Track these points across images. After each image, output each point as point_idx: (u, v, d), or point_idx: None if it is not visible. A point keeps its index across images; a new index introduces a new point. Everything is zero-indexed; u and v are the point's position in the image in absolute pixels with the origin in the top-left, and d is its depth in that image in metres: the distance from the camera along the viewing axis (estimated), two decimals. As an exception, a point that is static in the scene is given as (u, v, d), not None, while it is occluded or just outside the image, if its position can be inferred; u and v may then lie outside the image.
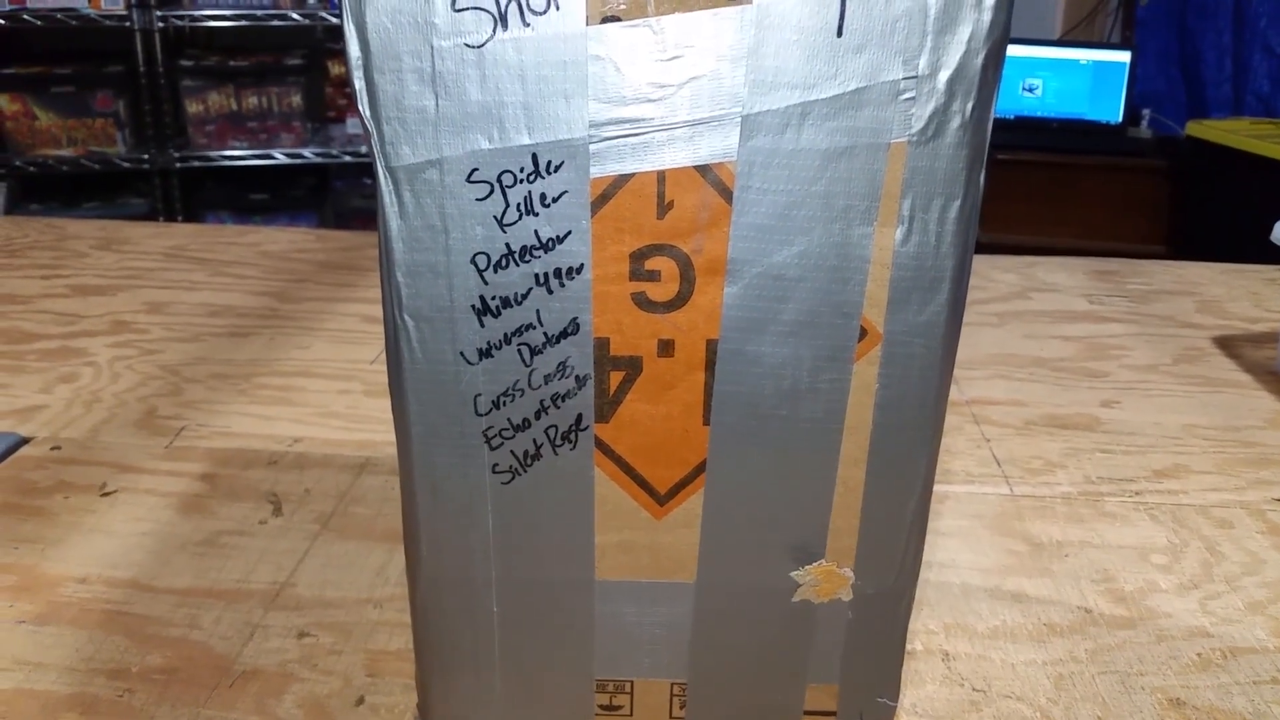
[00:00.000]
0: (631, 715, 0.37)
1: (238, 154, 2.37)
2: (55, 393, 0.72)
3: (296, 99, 2.34)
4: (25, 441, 0.65)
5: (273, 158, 2.38)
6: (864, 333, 0.30)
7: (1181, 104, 2.67)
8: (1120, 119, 2.57)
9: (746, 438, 0.32)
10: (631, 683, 0.37)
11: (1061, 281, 1.00)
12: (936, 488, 0.61)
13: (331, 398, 0.72)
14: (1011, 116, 2.62)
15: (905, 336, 0.30)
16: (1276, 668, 0.47)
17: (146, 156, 2.35)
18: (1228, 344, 0.85)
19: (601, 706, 0.37)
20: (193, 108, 2.37)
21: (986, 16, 0.27)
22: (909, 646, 0.48)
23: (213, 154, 2.36)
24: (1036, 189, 2.44)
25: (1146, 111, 2.64)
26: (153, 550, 0.54)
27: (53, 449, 0.64)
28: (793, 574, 0.34)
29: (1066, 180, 2.46)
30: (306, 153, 2.34)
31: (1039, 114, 2.61)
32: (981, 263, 1.07)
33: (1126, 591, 0.53)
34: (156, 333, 0.83)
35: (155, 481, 0.61)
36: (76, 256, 1.00)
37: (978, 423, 0.70)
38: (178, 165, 2.36)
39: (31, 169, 2.37)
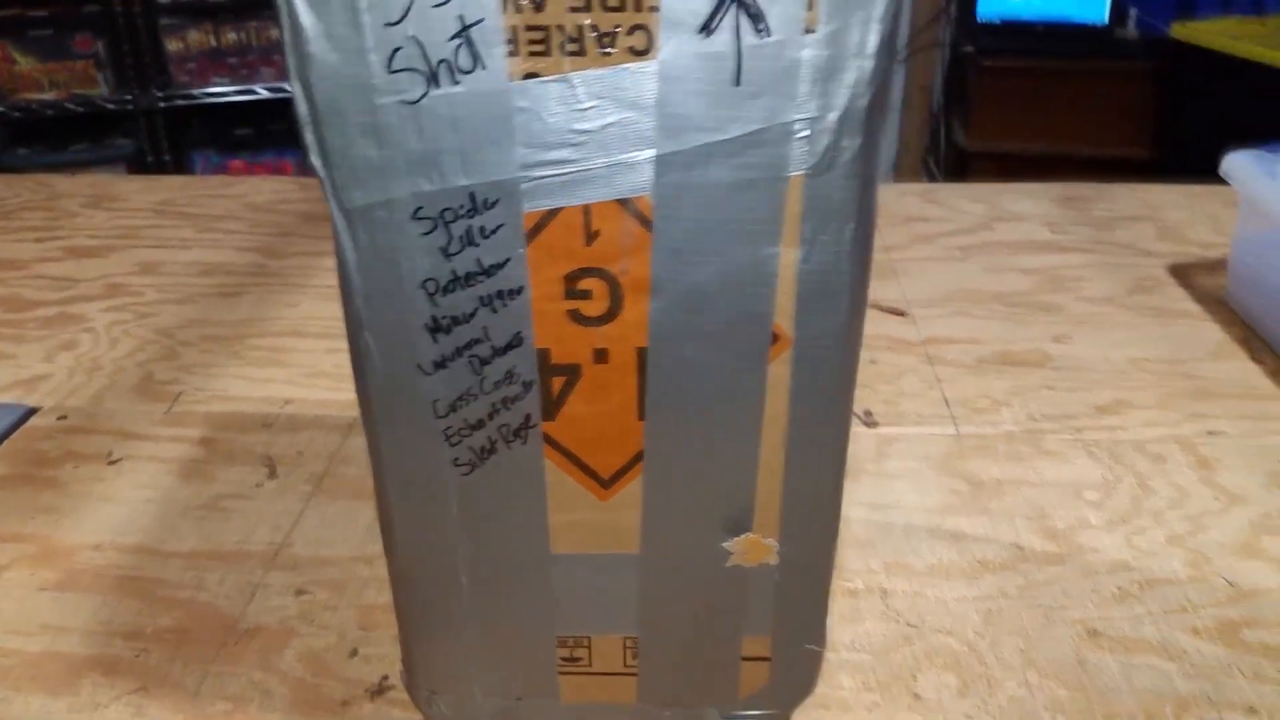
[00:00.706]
0: (590, 665, 0.42)
1: (220, 90, 2.36)
2: (57, 361, 0.76)
3: (276, 33, 2.32)
4: (34, 412, 0.69)
5: (255, 93, 2.38)
6: (776, 337, 0.34)
7: (1170, 1, 2.64)
8: (1106, 19, 2.55)
9: (677, 430, 0.36)
10: (589, 638, 0.41)
11: (1027, 210, 1.02)
12: (888, 430, 0.65)
13: (319, 357, 0.76)
14: (998, 20, 2.59)
15: (812, 340, 0.34)
16: (1186, 597, 0.52)
17: (130, 97, 2.34)
18: (1183, 272, 0.88)
19: (563, 659, 0.42)
20: (172, 45, 2.36)
21: (869, 64, 0.30)
22: (851, 585, 0.53)
23: (195, 92, 2.35)
24: (1021, 94, 2.44)
25: (1133, 11, 2.61)
26: (158, 516, 0.59)
27: (59, 419, 0.69)
28: (724, 544, 0.38)
29: (1052, 85, 2.45)
30: (288, 86, 2.32)
31: (1024, 17, 2.58)
32: (950, 191, 1.10)
33: (1058, 529, 0.57)
34: (150, 295, 0.86)
35: (157, 448, 0.65)
36: (68, 216, 1.03)
37: (931, 363, 0.74)
38: (161, 105, 2.36)
39: (16, 114, 2.37)
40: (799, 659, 0.41)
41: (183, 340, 0.79)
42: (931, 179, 2.71)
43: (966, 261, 0.91)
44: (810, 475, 0.37)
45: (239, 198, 1.08)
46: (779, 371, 0.35)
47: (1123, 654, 0.49)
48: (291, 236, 0.98)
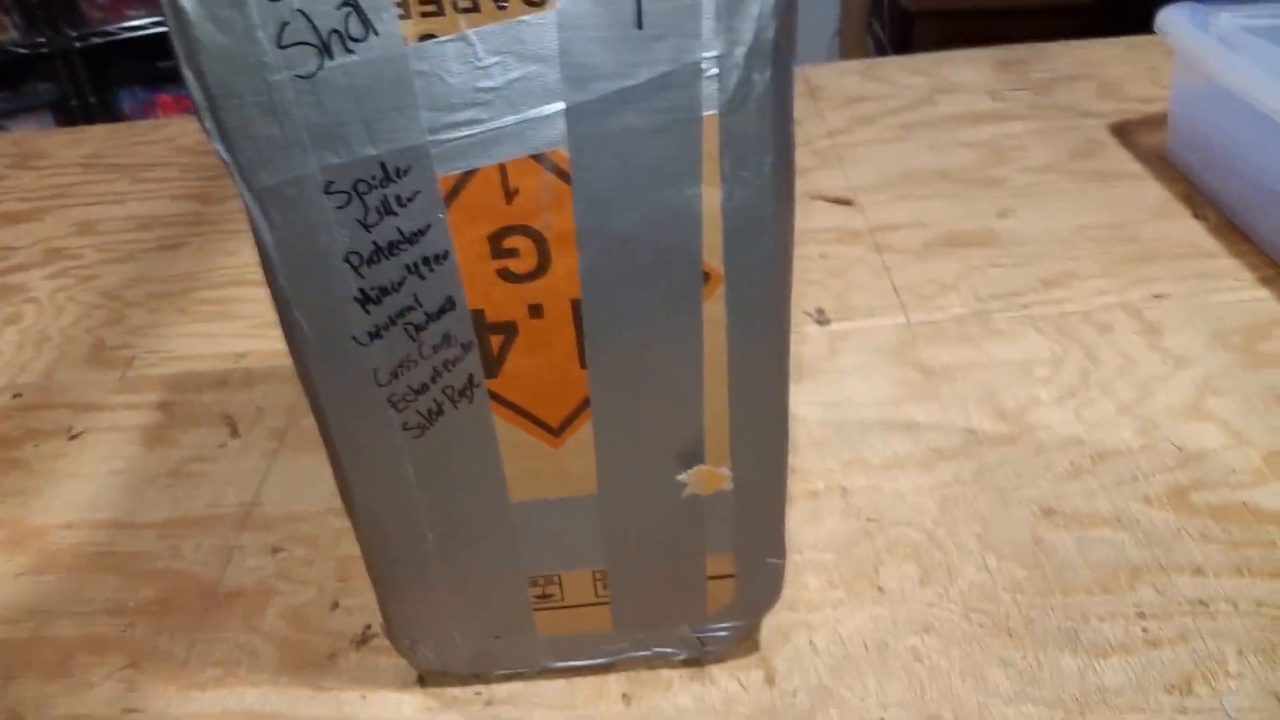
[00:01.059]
0: (563, 600, 0.43)
1: (138, 24, 2.27)
2: (4, 337, 0.75)
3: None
4: (-14, 393, 0.69)
5: (175, 19, 2.28)
6: (708, 276, 0.34)
7: None
8: None
9: (620, 374, 0.36)
10: (559, 575, 0.42)
11: (967, 79, 1.01)
12: (840, 326, 0.66)
13: (266, 307, 0.75)
14: None
15: (743, 275, 0.34)
16: (1137, 467, 0.54)
17: (43, 40, 2.25)
18: (1124, 130, 0.88)
19: (536, 597, 0.43)
20: (80, -18, 2.26)
21: None
22: (812, 486, 0.54)
23: (112, 28, 2.26)
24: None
25: None
26: (126, 487, 0.59)
27: (14, 397, 0.68)
28: (679, 477, 0.39)
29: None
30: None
31: None
32: (891, 66, 1.09)
33: (1009, 409, 0.58)
34: (90, 256, 0.85)
35: (116, 417, 0.65)
36: (-6, 180, 1.00)
37: (879, 251, 0.74)
38: (78, 45, 2.26)
39: (-75, 67, 2.27)
40: (762, 572, 0.43)
41: (129, 301, 0.78)
42: (878, 44, 2.67)
43: (909, 140, 0.91)
44: (755, 403, 0.38)
45: (168, 142, 1.05)
46: (713, 308, 0.35)
47: (1077, 529, 0.50)
48: (222, 179, 0.96)
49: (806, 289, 0.70)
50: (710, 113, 0.31)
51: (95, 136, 1.10)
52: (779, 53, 0.31)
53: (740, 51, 0.30)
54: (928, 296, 0.69)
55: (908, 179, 0.84)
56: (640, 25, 0.30)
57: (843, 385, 0.61)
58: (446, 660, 0.45)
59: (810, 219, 0.78)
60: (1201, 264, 0.69)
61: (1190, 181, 0.79)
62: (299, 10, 0.29)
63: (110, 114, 2.34)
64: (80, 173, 1.00)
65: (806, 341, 0.65)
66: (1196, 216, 0.75)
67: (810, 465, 0.56)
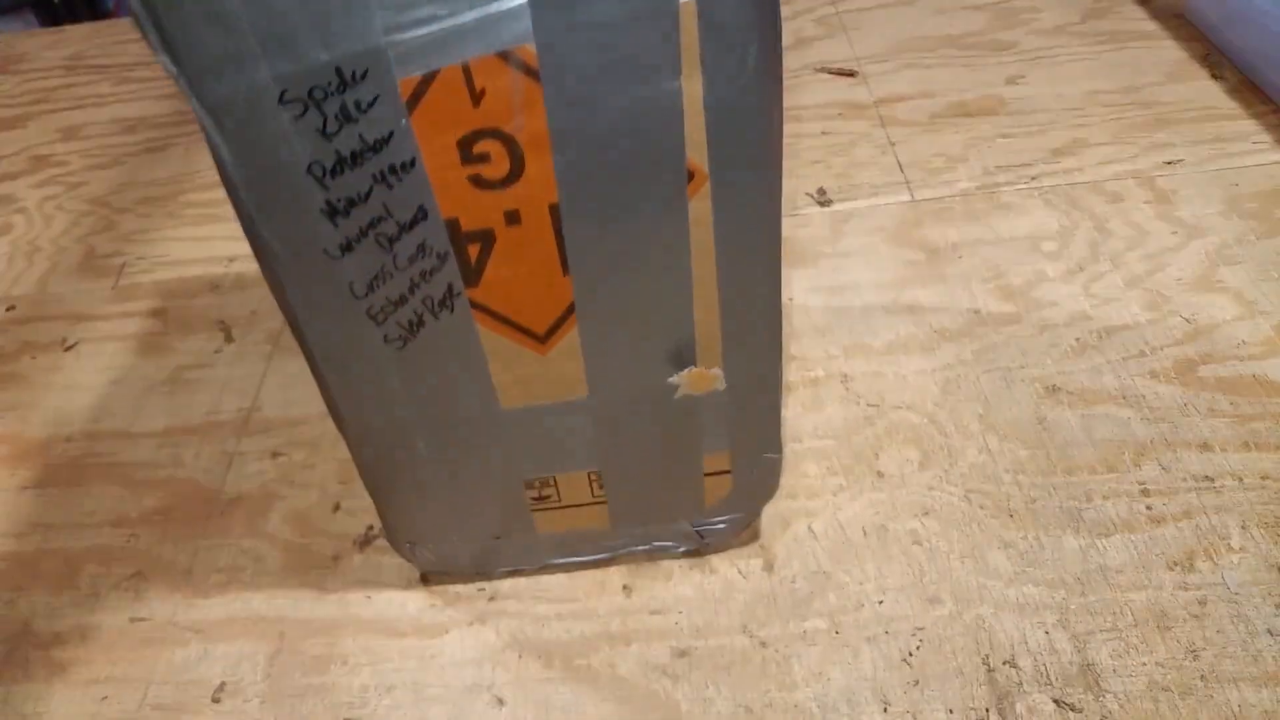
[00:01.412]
0: (560, 500, 0.43)
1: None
2: (-5, 248, 0.74)
3: None
4: (-20, 306, 0.68)
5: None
6: (692, 174, 0.32)
7: None
8: None
9: (605, 278, 0.35)
10: (554, 477, 0.42)
11: (977, -63, 0.96)
12: (843, 206, 0.64)
13: (259, 207, 0.74)
14: None
15: (729, 171, 0.32)
16: (1144, 341, 0.52)
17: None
18: (1140, -14, 0.84)
19: (533, 499, 0.43)
20: None
21: None
22: (812, 373, 0.53)
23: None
24: None
25: None
26: (124, 397, 0.59)
27: (8, 309, 0.68)
28: (670, 379, 0.38)
29: None
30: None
31: None
32: (896, -73, 1.03)
33: (1014, 286, 0.57)
34: (76, 163, 0.83)
35: (111, 326, 0.65)
36: (-25, 86, 0.98)
37: (884, 125, 0.72)
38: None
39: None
40: (759, 466, 0.42)
41: (118, 208, 0.76)
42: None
43: (916, 5, 0.87)
44: (747, 303, 0.36)
45: (150, 39, 1.02)
46: (699, 207, 0.33)
47: (1082, 407, 0.49)
48: (211, 76, 0.93)
49: (808, 169, 0.68)
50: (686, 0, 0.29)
51: (77, 36, 1.07)
52: None
53: None
54: (934, 171, 0.66)
55: (913, 46, 0.81)
56: None
57: (845, 269, 0.60)
58: (447, 561, 0.45)
59: (812, 93, 0.75)
60: (1218, 127, 0.67)
61: (1209, 40, 0.75)
62: None
63: (94, 10, 2.28)
64: (62, 75, 0.98)
65: (808, 224, 0.64)
66: (1214, 77, 0.71)
67: (811, 352, 0.55)
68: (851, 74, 0.78)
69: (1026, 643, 0.41)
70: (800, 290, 0.59)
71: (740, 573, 0.45)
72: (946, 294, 0.57)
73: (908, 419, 0.50)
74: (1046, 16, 0.82)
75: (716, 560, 0.45)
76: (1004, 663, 0.40)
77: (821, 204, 0.65)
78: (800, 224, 0.64)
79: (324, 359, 0.37)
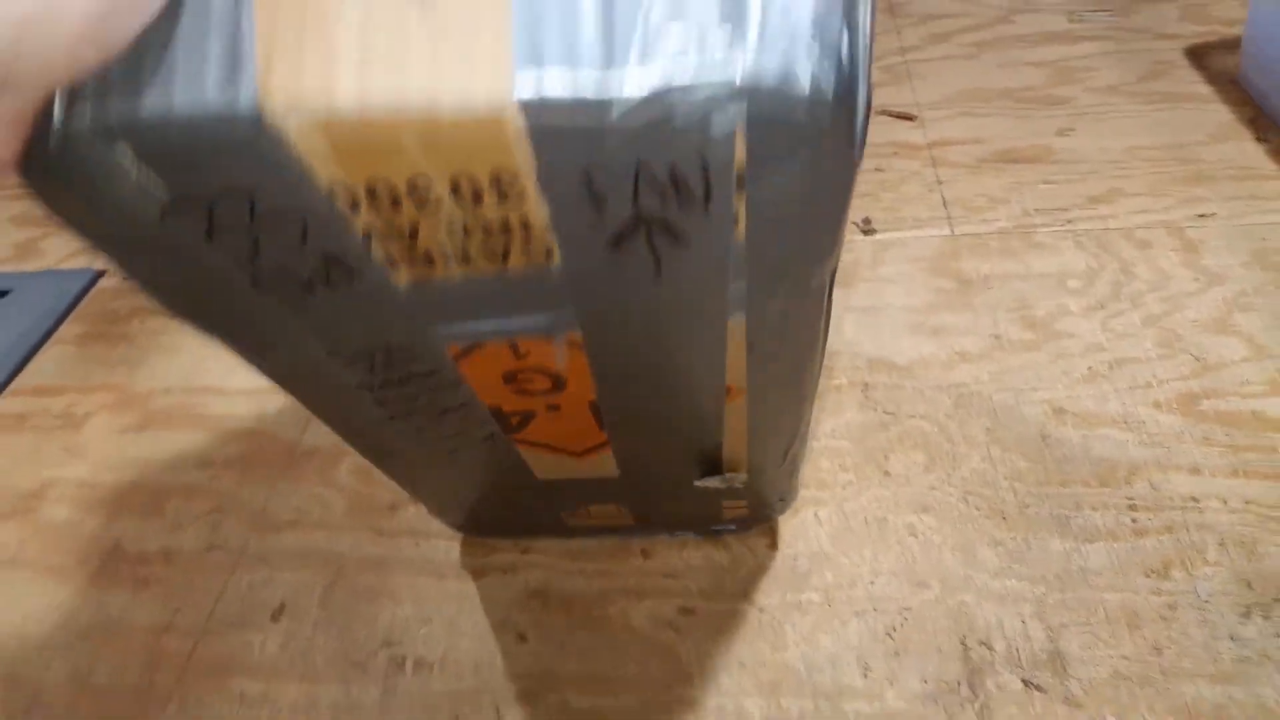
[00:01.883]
0: (590, 517, 0.47)
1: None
2: (117, 226, 0.82)
3: None
4: (101, 274, 0.76)
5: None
6: (730, 390, 0.34)
7: None
8: None
9: (637, 433, 0.38)
10: (587, 507, 0.46)
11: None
12: (885, 236, 0.69)
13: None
14: None
15: (767, 389, 0.34)
16: (1153, 374, 0.56)
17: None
18: (1199, 53, 0.87)
19: (564, 514, 0.47)
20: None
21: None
22: (835, 382, 0.58)
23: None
24: None
25: None
26: (219, 359, 0.66)
27: (125, 278, 0.75)
28: (696, 483, 0.41)
29: None
30: None
31: None
32: (972, -15, 1.08)
33: (1037, 317, 0.61)
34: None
35: (213, 299, 0.72)
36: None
37: (935, 165, 0.76)
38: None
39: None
40: (774, 505, 0.46)
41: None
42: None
43: (980, 59, 0.91)
44: (776, 441, 0.39)
45: None
46: (736, 404, 0.35)
47: (1085, 428, 0.53)
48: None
49: (857, 200, 0.73)
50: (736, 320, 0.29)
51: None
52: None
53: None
54: (976, 209, 0.71)
55: (973, 96, 0.85)
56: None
57: (880, 292, 0.64)
58: (478, 529, 0.50)
59: (871, 133, 0.80)
60: (1254, 185, 0.70)
61: (1259, 105, 0.78)
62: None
63: None
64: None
65: (851, 250, 0.68)
66: (1258, 140, 0.74)
67: (839, 364, 0.59)
68: (911, 118, 0.83)
69: (1003, 628, 0.44)
70: (837, 308, 0.63)
71: (748, 548, 0.49)
72: (972, 320, 0.61)
73: (920, 427, 0.54)
74: (1103, 75, 0.85)
75: (728, 537, 0.50)
76: (980, 643, 0.44)
77: (865, 232, 0.70)
78: (844, 249, 0.68)
79: (364, 451, 0.40)
